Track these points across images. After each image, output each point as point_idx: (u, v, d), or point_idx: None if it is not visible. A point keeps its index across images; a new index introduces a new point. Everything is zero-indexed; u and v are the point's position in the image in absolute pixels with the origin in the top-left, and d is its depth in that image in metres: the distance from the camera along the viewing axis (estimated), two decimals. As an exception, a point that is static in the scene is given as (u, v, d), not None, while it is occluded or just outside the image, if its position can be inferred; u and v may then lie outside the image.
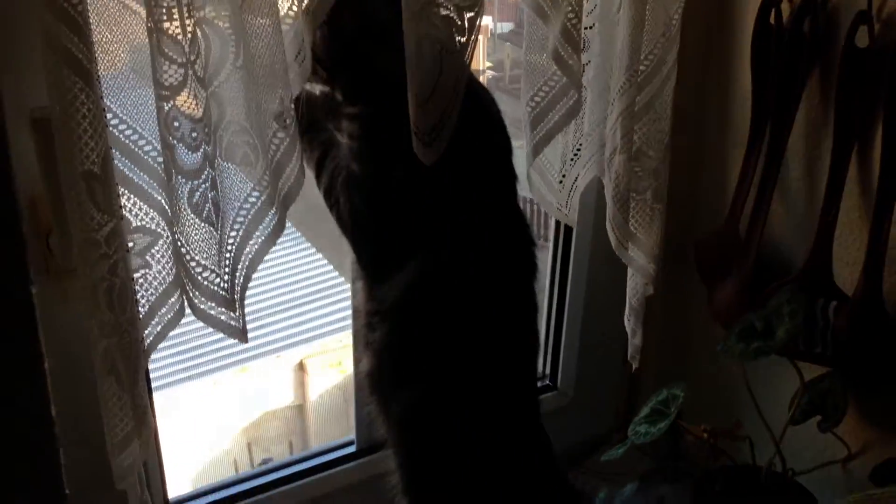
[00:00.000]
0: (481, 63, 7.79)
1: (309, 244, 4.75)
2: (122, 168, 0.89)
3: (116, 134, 0.87)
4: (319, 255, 4.73)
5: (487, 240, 1.16)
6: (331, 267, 4.66)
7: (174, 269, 0.95)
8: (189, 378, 4.09)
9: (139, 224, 0.93)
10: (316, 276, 4.66)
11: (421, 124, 0.98)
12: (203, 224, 0.94)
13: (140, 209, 0.92)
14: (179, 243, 0.92)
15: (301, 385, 4.58)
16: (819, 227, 1.28)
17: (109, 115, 0.85)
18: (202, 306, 0.98)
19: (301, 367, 4.49)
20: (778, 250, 1.39)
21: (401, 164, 1.06)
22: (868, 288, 1.22)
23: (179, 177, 0.89)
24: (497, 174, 1.18)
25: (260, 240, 1.00)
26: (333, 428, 4.39)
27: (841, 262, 1.29)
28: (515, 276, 1.21)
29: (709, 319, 1.46)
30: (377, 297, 1.16)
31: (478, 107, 1.14)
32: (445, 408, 1.18)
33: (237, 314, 0.99)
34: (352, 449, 1.47)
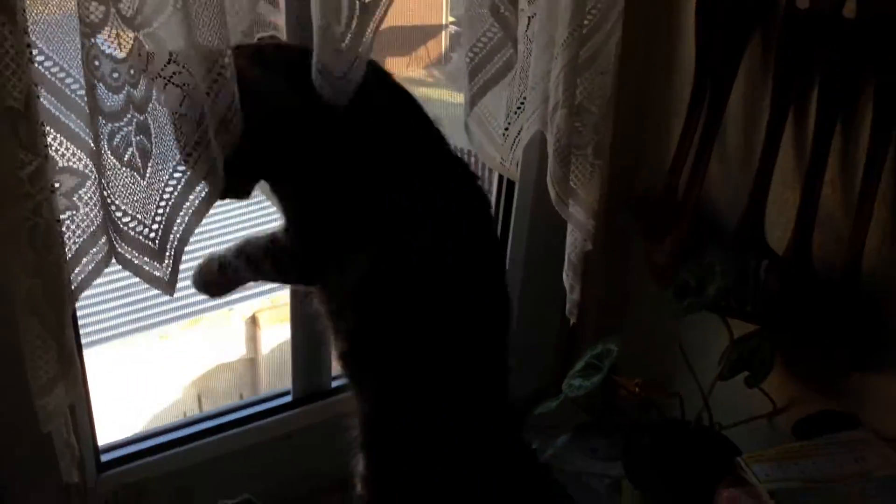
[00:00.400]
0: (444, 18, 7.71)
1: (260, 194, 4.70)
2: (48, 106, 0.88)
3: (42, 70, 0.86)
4: (271, 206, 4.69)
5: (438, 220, 1.13)
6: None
7: (101, 213, 0.93)
8: (139, 330, 4.06)
9: (66, 164, 0.91)
10: (269, 227, 4.63)
11: (334, 68, 0.97)
12: (125, 169, 0.93)
13: (67, 149, 0.91)
14: (103, 187, 0.91)
15: (253, 339, 4.57)
16: (753, 188, 1.30)
17: (35, 52, 0.84)
18: (125, 254, 0.97)
19: (253, 320, 4.48)
20: (714, 211, 1.41)
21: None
22: (798, 248, 1.25)
23: (101, 118, 0.87)
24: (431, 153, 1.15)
25: (202, 194, 0.99)
26: (285, 381, 4.40)
27: (774, 223, 1.31)
28: (476, 253, 1.18)
29: (646, 277, 1.48)
30: (333, 293, 1.16)
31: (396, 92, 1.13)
32: (417, 389, 1.18)
33: (164, 265, 0.98)
34: (288, 399, 1.48)
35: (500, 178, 1.54)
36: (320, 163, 1.05)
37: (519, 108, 1.27)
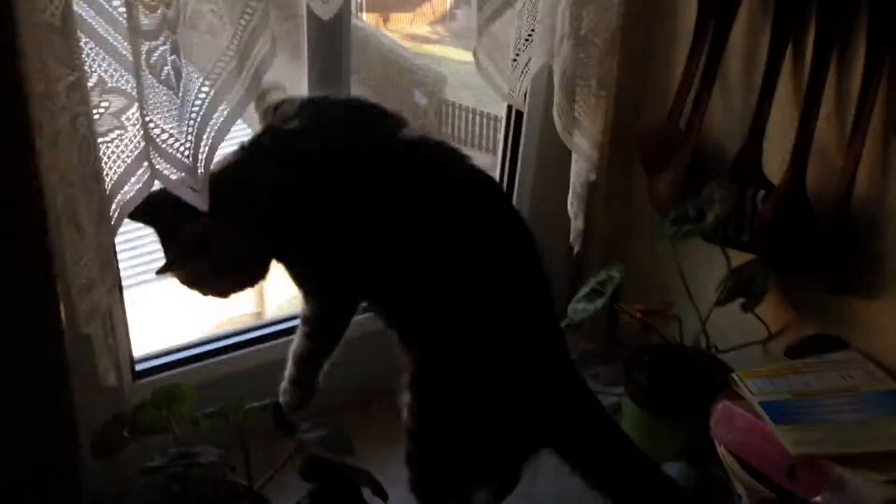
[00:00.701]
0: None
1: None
2: (93, 24, 0.94)
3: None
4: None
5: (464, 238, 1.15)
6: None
7: (144, 133, 0.99)
8: (144, 283, 4.11)
9: (114, 85, 0.97)
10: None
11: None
12: (162, 87, 0.98)
13: (115, 71, 0.97)
14: (143, 105, 0.96)
15: (259, 294, 4.63)
16: (752, 121, 1.36)
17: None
18: (164, 170, 1.03)
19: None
20: (714, 144, 1.46)
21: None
22: (793, 178, 1.31)
23: (139, 37, 0.93)
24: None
25: (225, 112, 1.04)
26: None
27: (771, 156, 1.37)
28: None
29: (649, 208, 1.54)
30: None
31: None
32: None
33: (199, 181, 1.04)
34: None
35: (509, 110, 1.59)
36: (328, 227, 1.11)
37: (527, 39, 1.32)
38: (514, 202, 1.63)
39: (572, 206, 1.47)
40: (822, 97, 1.28)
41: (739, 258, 1.41)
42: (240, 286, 1.18)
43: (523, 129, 1.58)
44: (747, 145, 1.36)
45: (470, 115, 6.42)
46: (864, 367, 1.28)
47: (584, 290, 1.48)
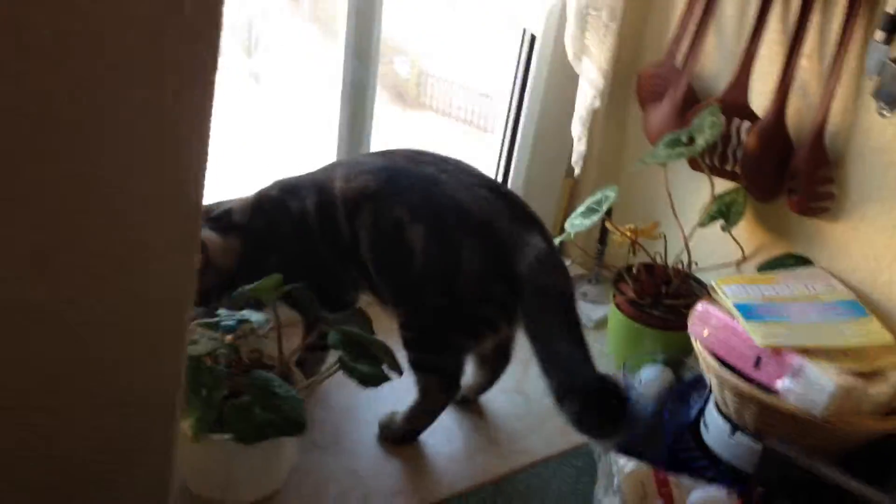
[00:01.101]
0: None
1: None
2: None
3: None
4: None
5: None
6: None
7: None
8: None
9: None
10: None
11: None
12: None
13: None
14: None
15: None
16: (742, 59, 1.51)
17: None
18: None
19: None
20: (707, 81, 1.62)
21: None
22: (776, 112, 1.47)
23: None
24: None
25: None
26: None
27: (757, 91, 1.52)
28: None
29: (642, 137, 1.69)
30: None
31: None
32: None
33: None
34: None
35: (522, 38, 1.73)
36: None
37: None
38: (522, 128, 1.78)
39: (576, 129, 1.62)
40: (805, 38, 1.43)
41: (722, 186, 1.58)
42: None
43: (534, 55, 1.71)
44: (736, 80, 1.52)
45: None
46: (827, 281, 1.45)
47: (581, 208, 1.63)
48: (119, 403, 0.92)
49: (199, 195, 0.80)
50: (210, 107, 0.76)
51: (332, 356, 1.30)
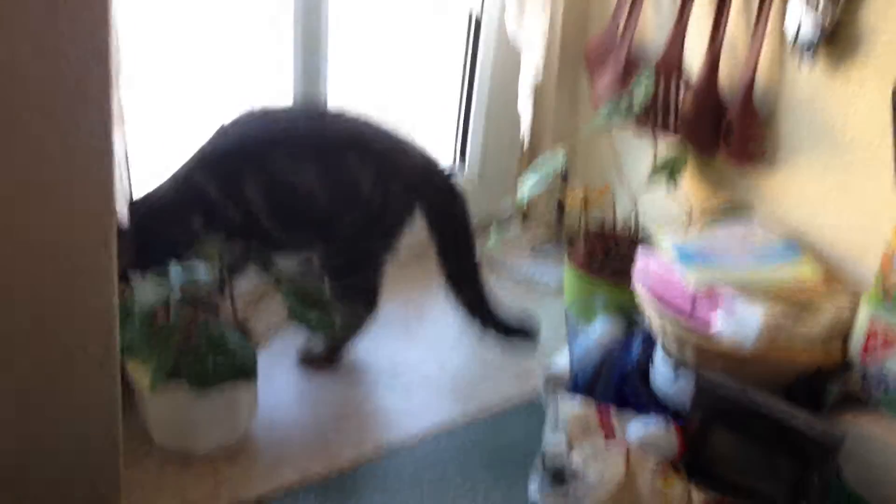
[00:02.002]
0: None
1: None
2: None
3: None
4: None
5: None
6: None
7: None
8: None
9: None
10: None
11: None
12: None
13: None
14: None
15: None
16: (675, 24, 1.58)
17: None
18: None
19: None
20: (646, 46, 1.69)
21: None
22: (707, 71, 1.54)
23: None
24: None
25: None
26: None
27: (691, 55, 1.59)
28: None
29: (592, 106, 1.76)
30: None
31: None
32: None
33: None
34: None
35: (469, 21, 1.82)
36: None
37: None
38: (473, 106, 1.86)
39: (522, 105, 1.69)
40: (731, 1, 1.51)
41: (667, 148, 1.64)
42: None
43: (481, 36, 1.80)
44: (671, 44, 1.59)
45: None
46: (764, 228, 1.51)
47: (532, 174, 1.69)
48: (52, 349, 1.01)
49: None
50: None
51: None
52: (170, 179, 1.43)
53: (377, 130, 1.47)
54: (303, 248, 1.50)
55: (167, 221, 1.38)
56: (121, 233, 1.38)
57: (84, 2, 0.85)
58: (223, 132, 1.43)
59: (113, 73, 0.90)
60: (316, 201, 1.43)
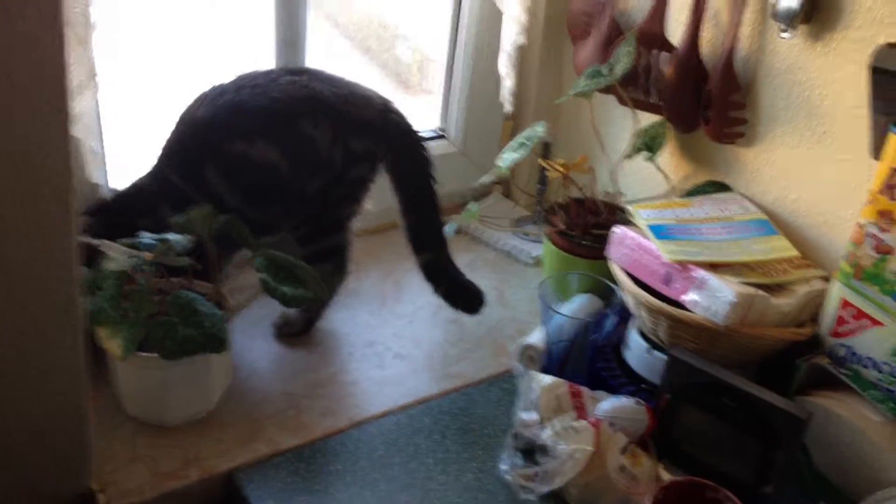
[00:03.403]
0: None
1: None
2: None
3: None
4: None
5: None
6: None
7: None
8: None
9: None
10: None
11: None
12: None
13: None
14: None
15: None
16: (658, -8, 1.56)
17: None
18: None
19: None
20: (630, 14, 1.66)
21: None
22: (689, 41, 1.51)
23: None
24: None
25: None
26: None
27: (675, 22, 1.57)
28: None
29: (576, 76, 1.74)
30: None
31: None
32: None
33: None
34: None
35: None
36: None
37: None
38: (454, 72, 1.84)
39: (503, 66, 1.67)
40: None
41: (648, 120, 1.63)
42: None
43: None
44: (654, 12, 1.56)
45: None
46: (741, 203, 1.50)
47: (513, 143, 1.68)
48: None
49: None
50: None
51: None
52: (146, 175, 1.44)
53: (329, 85, 1.45)
54: (277, 224, 1.49)
55: (137, 212, 1.38)
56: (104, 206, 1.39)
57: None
58: (182, 119, 1.43)
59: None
60: (278, 173, 1.42)
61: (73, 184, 0.94)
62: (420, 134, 1.52)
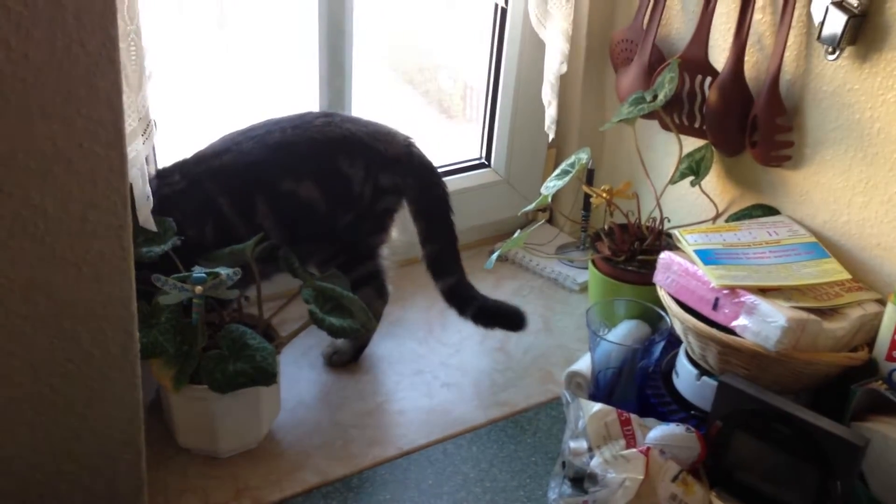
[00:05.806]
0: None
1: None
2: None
3: None
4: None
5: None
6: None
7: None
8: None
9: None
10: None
11: None
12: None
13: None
14: None
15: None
16: (700, 17, 1.55)
17: None
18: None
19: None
20: (672, 40, 1.66)
21: None
22: (733, 66, 1.51)
23: None
24: None
25: None
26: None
27: (718, 48, 1.56)
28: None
29: (619, 103, 1.74)
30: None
31: None
32: None
33: None
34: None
35: (494, 13, 1.80)
36: None
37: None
38: (499, 102, 1.85)
39: (546, 95, 1.68)
40: (756, -3, 1.47)
41: (693, 145, 1.62)
42: None
43: (507, 27, 1.78)
44: (696, 38, 1.56)
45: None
46: (790, 227, 1.48)
47: (557, 171, 1.68)
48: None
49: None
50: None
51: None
52: (181, 180, 1.44)
53: (358, 126, 1.52)
54: (306, 259, 1.52)
55: (184, 223, 1.39)
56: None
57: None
58: (231, 145, 1.46)
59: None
60: (317, 210, 1.48)
61: (129, 222, 0.97)
62: (438, 172, 1.60)
